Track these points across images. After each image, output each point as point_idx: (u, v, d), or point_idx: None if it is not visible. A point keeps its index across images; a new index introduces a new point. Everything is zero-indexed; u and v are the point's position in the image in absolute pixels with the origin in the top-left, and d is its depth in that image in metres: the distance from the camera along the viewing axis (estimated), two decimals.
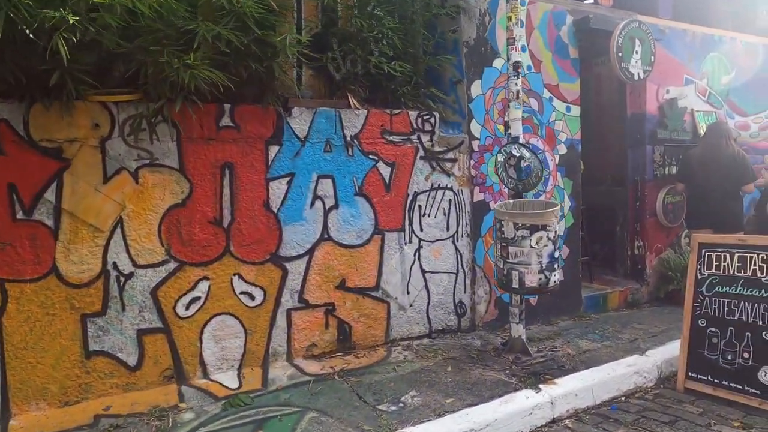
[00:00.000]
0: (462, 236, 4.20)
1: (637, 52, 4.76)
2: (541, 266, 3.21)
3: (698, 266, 3.59)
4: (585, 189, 5.65)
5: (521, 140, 3.62)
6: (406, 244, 3.93)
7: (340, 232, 3.68)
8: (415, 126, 3.91)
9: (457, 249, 4.17)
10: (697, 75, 5.62)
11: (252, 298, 3.36)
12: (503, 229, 3.28)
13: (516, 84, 3.57)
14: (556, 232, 3.26)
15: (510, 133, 3.64)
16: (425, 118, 3.96)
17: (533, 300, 4.45)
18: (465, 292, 4.25)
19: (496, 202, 4.13)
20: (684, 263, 4.99)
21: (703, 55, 5.67)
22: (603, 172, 5.95)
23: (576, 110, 4.78)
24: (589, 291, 5.11)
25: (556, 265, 3.28)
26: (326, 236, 3.63)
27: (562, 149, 4.72)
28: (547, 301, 4.62)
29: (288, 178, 3.46)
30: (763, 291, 3.26)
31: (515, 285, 3.28)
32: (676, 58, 5.45)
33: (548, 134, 4.62)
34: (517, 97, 3.58)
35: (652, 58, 4.90)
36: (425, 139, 3.97)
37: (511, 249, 3.25)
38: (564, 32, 4.66)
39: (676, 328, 4.25)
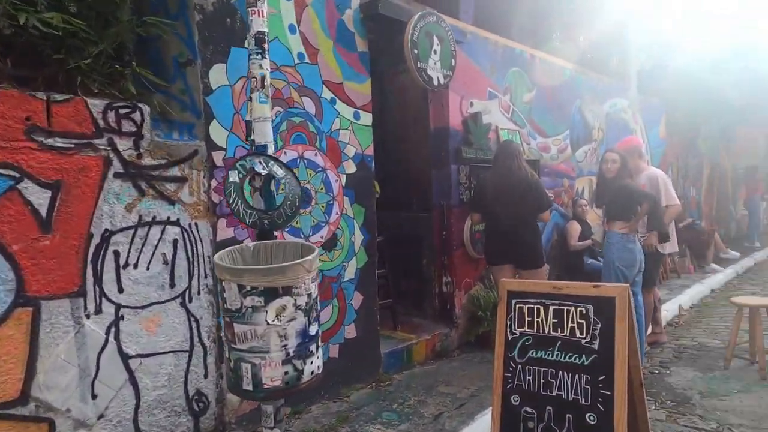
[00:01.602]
0: (198, 294, 2.80)
1: (435, 52, 3.94)
2: (287, 353, 1.97)
3: (508, 323, 2.72)
4: (389, 216, 4.71)
5: (270, 151, 2.38)
6: (89, 317, 2.39)
7: None
8: (102, 123, 2.42)
9: (189, 314, 2.75)
10: (500, 89, 5.12)
11: None
12: (225, 295, 1.98)
13: (261, 66, 2.33)
14: (311, 295, 2.06)
15: (253, 140, 2.37)
16: (124, 112, 2.49)
17: None
18: (207, 376, 2.84)
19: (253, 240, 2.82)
20: (494, 299, 4.30)
21: (506, 68, 5.21)
22: (408, 196, 5.11)
23: (367, 118, 3.76)
24: (391, 344, 4.10)
25: (313, 347, 2.08)
26: None
27: (350, 167, 3.64)
28: (336, 366, 3.46)
29: None
30: (583, 357, 2.46)
31: (247, 385, 1.99)
32: (479, 67, 4.85)
33: (330, 147, 3.50)
34: (263, 86, 2.33)
35: (453, 62, 4.15)
36: (124, 145, 2.49)
37: (237, 328, 1.96)
38: (349, 17, 3.62)
39: (487, 387, 3.41)
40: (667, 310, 5.72)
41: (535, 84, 5.60)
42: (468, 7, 4.89)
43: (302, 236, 3.28)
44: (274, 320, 1.95)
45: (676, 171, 9.10)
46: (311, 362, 2.08)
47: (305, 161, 3.34)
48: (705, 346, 4.64)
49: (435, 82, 3.98)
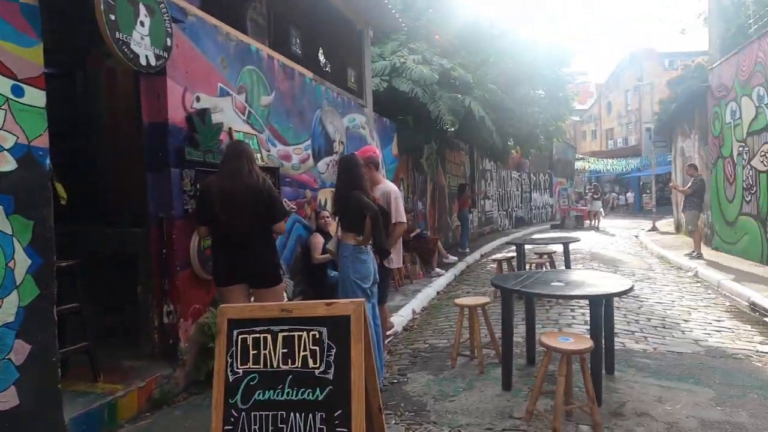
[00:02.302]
0: None
1: (143, 24, 3.16)
2: None
3: (229, 360, 2.16)
4: (88, 232, 3.64)
5: None
6: None
7: None
8: None
9: None
10: (234, 87, 4.56)
11: None
12: None
13: None
14: None
15: None
16: None
17: None
18: None
19: None
20: None
21: (240, 65, 4.69)
22: (117, 206, 4.09)
23: (36, 97, 2.72)
24: (84, 402, 3.06)
25: None
26: None
27: (6, 163, 2.56)
28: None
29: None
30: (317, 391, 2.06)
31: None
32: (207, 58, 4.21)
33: None
34: None
35: (169, 41, 3.42)
36: None
37: None
38: None
39: None
40: (403, 316, 6.00)
41: (275, 88, 5.23)
42: None
43: None
44: None
45: (406, 187, 10.00)
46: None
47: None
48: (435, 347, 4.91)
49: (143, 61, 3.18)
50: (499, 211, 18.72)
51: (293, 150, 5.60)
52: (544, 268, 7.00)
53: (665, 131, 17.50)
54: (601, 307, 3.39)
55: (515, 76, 10.97)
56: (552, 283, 3.71)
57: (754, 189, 8.96)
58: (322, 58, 7.06)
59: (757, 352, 4.52)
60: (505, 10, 11.81)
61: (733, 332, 5.17)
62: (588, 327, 5.24)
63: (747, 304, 6.22)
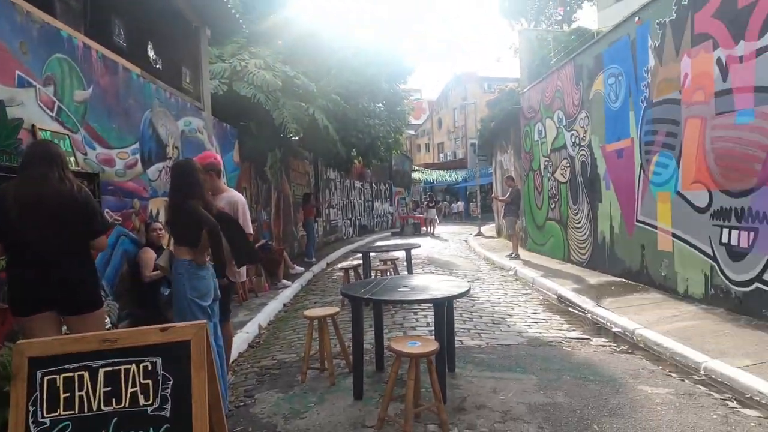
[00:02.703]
0: None
1: None
2: None
3: (32, 409, 1.75)
4: None
5: None
6: None
7: None
8: None
9: None
10: (38, 78, 3.84)
11: None
12: None
13: None
14: None
15: None
16: None
17: None
18: None
19: None
20: None
21: (47, 52, 3.97)
22: None
23: None
24: None
25: None
26: None
27: None
28: None
29: None
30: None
31: None
32: (0, 40, 3.47)
33: None
34: None
35: None
36: None
37: None
38: None
39: None
40: (248, 332, 5.68)
41: (93, 82, 4.55)
42: None
43: None
44: None
45: (250, 196, 9.57)
46: None
47: None
48: (284, 362, 4.72)
49: None
50: (343, 219, 19.06)
51: (117, 154, 4.94)
52: (388, 274, 7.25)
53: (486, 146, 19.61)
54: (444, 309, 3.58)
55: (357, 88, 11.31)
56: (399, 289, 3.81)
57: (557, 198, 10.49)
58: (151, 53, 6.39)
59: (566, 338, 5.23)
60: (344, 23, 12.11)
61: (547, 322, 5.92)
62: (430, 329, 5.55)
63: (555, 296, 7.20)
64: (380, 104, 13.94)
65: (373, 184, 24.04)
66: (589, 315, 6.07)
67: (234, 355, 4.63)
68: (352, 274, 7.46)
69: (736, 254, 5.42)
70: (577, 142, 9.35)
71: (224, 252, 3.38)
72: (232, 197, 4.03)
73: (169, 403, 1.79)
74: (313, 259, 11.94)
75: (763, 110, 4.96)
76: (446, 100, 42.43)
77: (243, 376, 4.42)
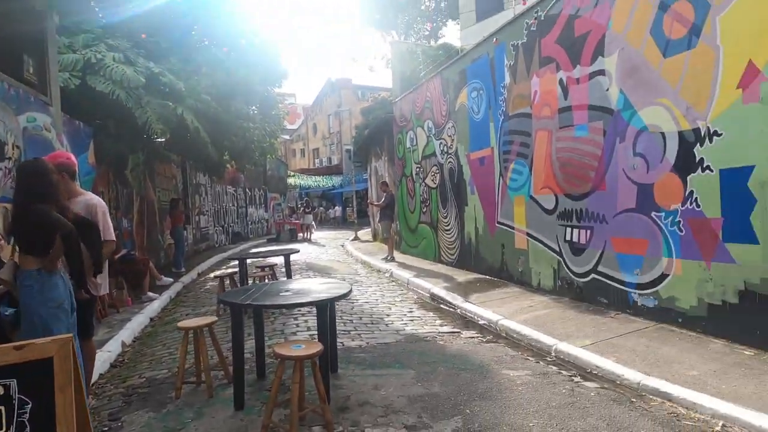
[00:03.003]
0: None
1: None
2: None
3: None
4: None
5: None
6: None
7: None
8: None
9: None
10: None
11: None
12: None
13: None
14: None
15: None
16: None
17: None
18: None
19: None
20: None
21: None
22: None
23: None
24: None
25: None
26: None
27: None
28: None
29: None
30: None
31: None
32: None
33: None
34: None
35: None
36: None
37: None
38: None
39: None
40: (110, 351, 5.17)
41: None
42: None
43: None
44: None
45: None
46: None
47: None
48: (154, 380, 4.38)
49: None
50: (215, 226, 18.14)
51: None
52: (266, 281, 7.09)
53: (362, 153, 20.11)
54: (327, 311, 3.63)
55: (230, 89, 10.87)
56: (281, 294, 3.77)
57: (428, 202, 11.13)
58: None
59: (439, 333, 5.58)
60: (216, 19, 11.60)
61: (422, 319, 6.26)
62: (311, 333, 5.56)
63: (428, 295, 7.64)
64: (254, 107, 13.56)
65: (247, 190, 23.25)
66: (458, 310, 6.55)
67: (93, 377, 4.19)
68: (227, 282, 7.16)
69: (577, 250, 6.25)
70: (446, 150, 10.03)
71: (84, 260, 3.07)
72: (90, 200, 3.67)
73: (27, 429, 1.59)
74: (183, 269, 11.21)
75: (595, 125, 5.81)
76: (321, 105, 42.61)
77: (106, 398, 4.02)
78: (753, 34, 4.03)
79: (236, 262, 7.57)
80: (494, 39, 7.96)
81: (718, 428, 3.01)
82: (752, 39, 4.04)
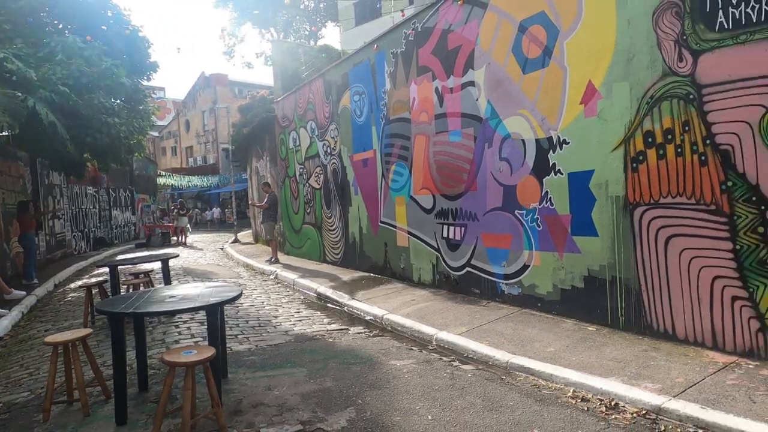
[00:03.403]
0: None
1: None
2: None
3: None
4: None
5: None
6: None
7: None
8: None
9: None
10: None
11: None
12: None
13: None
14: None
15: None
16: None
17: None
18: None
19: None
20: None
21: None
22: None
23: None
24: None
25: None
26: None
27: None
28: None
29: None
30: None
31: None
32: None
33: None
34: None
35: None
36: None
37: None
38: None
39: None
40: None
41: None
42: None
43: None
44: None
45: None
46: None
47: None
48: (13, 404, 3.92)
49: None
50: (73, 231, 16.31)
51: None
52: (141, 288, 6.64)
53: (241, 152, 19.47)
54: (218, 314, 3.57)
55: (90, 81, 9.89)
56: (166, 300, 3.63)
57: (312, 203, 11.19)
58: None
59: (328, 331, 5.72)
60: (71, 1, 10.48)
61: (310, 319, 6.35)
62: (195, 340, 5.37)
63: (315, 295, 7.73)
64: (120, 101, 12.44)
65: (111, 191, 21.21)
66: (345, 308, 6.74)
67: None
68: (95, 291, 6.57)
69: (452, 245, 6.79)
70: (329, 151, 10.18)
71: None
72: None
73: None
74: (35, 281, 9.96)
75: (467, 131, 6.36)
76: (194, 101, 40.23)
77: None
78: (591, 57, 4.76)
79: (104, 270, 6.97)
80: (375, 46, 8.28)
81: (569, 393, 3.55)
82: (590, 62, 4.77)
